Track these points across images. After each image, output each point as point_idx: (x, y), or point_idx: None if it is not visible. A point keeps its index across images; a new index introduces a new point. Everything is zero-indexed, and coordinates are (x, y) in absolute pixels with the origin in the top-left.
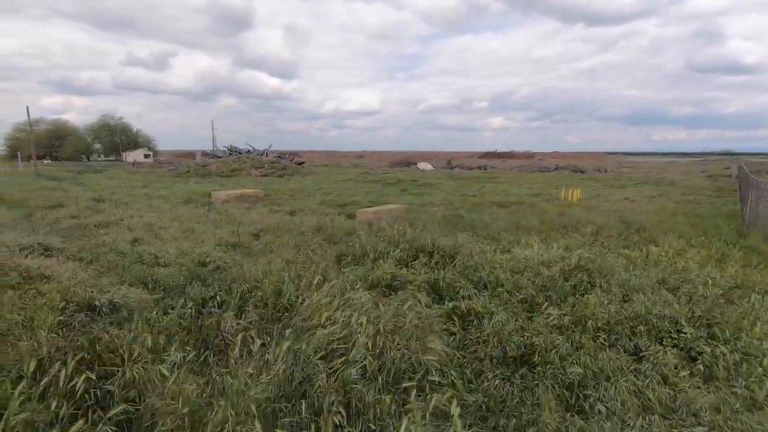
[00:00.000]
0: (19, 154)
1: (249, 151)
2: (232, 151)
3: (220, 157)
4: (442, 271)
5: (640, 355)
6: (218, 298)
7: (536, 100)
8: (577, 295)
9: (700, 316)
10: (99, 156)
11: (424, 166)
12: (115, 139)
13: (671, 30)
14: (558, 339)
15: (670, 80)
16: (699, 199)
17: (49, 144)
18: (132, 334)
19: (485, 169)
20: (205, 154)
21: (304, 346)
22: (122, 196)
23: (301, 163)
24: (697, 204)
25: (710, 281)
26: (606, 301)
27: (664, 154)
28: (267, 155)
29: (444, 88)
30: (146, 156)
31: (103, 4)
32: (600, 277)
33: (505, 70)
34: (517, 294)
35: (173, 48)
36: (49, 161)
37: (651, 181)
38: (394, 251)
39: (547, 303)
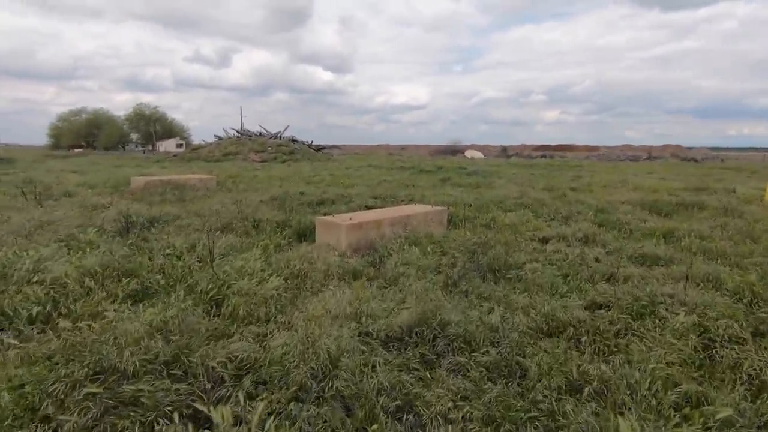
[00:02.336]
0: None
1: (260, 134)
2: (242, 134)
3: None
4: None
5: None
6: None
7: (596, 93)
8: None
9: None
10: (136, 145)
11: (473, 153)
12: (149, 128)
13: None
14: None
15: (755, 69)
16: None
17: (88, 133)
18: None
19: (552, 157)
20: (218, 138)
21: None
22: None
23: (320, 149)
24: None
25: None
26: None
27: (740, 149)
28: (279, 138)
29: (499, 81)
30: (179, 145)
31: (172, 4)
32: None
33: (566, 61)
34: None
35: (235, 45)
36: (80, 150)
37: None
38: None
39: None
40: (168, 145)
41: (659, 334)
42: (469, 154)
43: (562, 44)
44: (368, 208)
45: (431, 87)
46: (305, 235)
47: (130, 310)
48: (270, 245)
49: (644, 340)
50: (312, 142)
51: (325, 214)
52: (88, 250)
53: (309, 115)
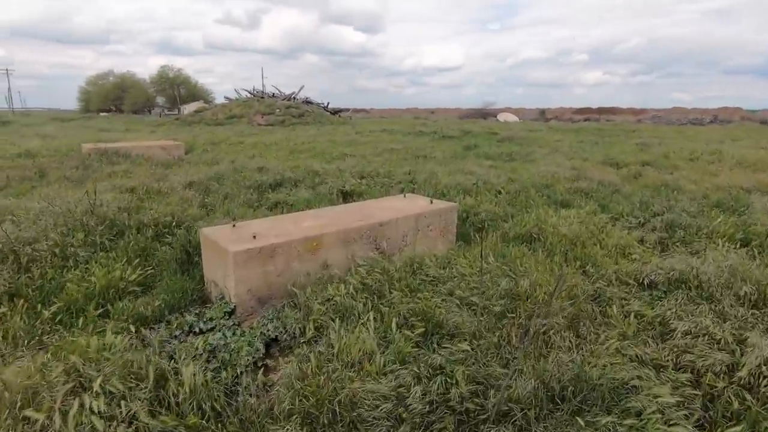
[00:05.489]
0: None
1: (273, 95)
2: (254, 95)
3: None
4: None
5: None
6: None
7: (645, 51)
8: None
9: None
10: (162, 109)
11: (506, 117)
12: (173, 91)
13: None
14: None
15: None
16: None
17: (116, 97)
18: None
19: (597, 120)
20: (228, 100)
21: None
22: None
23: (336, 112)
24: None
25: None
26: None
27: None
28: (293, 99)
29: (538, 40)
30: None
31: None
32: None
33: (612, 17)
34: None
35: (265, 5)
36: (106, 114)
37: None
38: None
39: None
40: (192, 108)
41: None
42: (502, 117)
43: None
44: (344, 196)
45: (465, 47)
46: (195, 256)
47: None
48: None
49: None
50: (328, 104)
51: (277, 204)
52: None
53: (340, 79)
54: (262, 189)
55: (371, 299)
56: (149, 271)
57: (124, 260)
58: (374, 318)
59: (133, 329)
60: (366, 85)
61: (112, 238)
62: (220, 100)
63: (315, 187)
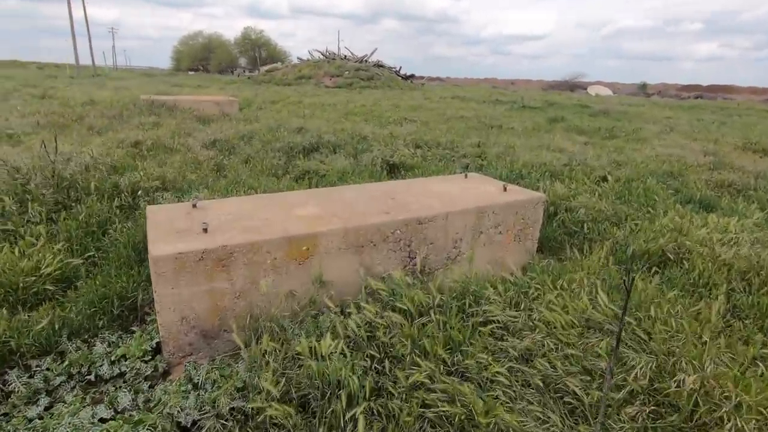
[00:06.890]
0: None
1: (345, 57)
2: (326, 56)
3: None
4: None
5: None
6: None
7: None
8: None
9: None
10: (243, 70)
11: (598, 90)
12: (254, 53)
13: None
14: None
15: None
16: None
17: (203, 57)
18: None
19: (714, 98)
20: (300, 60)
21: None
22: None
23: (408, 78)
24: None
25: None
26: None
27: None
28: (365, 62)
29: (642, 6)
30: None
31: None
32: None
33: None
34: None
35: None
36: (192, 72)
37: None
38: None
39: None
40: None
41: None
42: (593, 90)
43: None
44: (391, 169)
45: (555, 14)
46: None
47: None
48: None
49: None
50: (400, 68)
51: (305, 174)
52: None
53: (417, 46)
54: (293, 153)
55: (376, 367)
56: (82, 260)
57: (63, 241)
58: (373, 418)
59: None
60: (443, 52)
61: (71, 204)
62: (295, 62)
63: (357, 155)
